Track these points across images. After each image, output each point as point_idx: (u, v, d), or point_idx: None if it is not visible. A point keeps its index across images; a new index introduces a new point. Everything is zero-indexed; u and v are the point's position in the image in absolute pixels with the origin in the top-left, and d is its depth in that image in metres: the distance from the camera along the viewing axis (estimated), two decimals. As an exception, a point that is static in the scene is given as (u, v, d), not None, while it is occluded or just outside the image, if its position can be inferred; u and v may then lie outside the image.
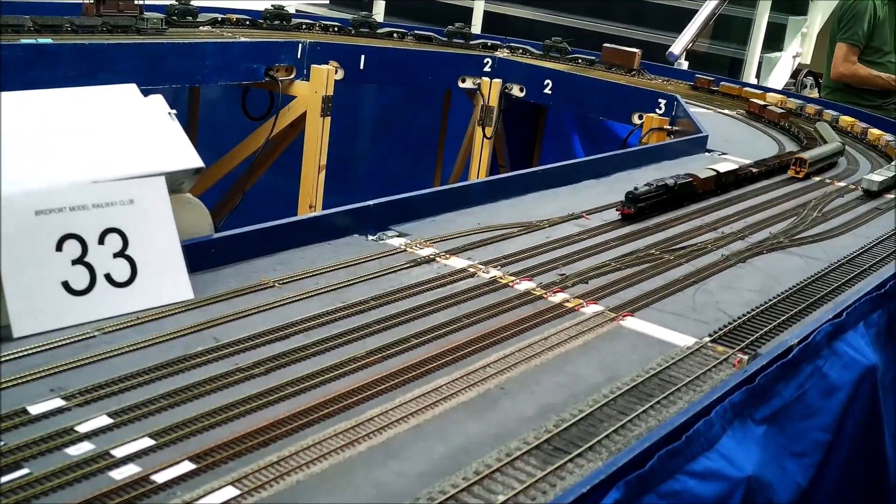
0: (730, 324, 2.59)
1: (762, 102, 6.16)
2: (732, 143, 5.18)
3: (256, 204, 6.40)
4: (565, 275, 2.87)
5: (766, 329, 2.57)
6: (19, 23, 5.09)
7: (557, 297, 2.69)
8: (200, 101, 6.60)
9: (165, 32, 5.60)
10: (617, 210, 3.46)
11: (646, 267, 3.02)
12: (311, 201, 6.18)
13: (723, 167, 4.07)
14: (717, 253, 3.25)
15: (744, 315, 2.66)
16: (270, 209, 6.96)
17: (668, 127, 5.92)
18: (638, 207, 3.43)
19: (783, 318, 2.66)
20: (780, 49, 9.99)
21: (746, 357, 2.36)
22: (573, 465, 1.83)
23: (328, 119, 6.17)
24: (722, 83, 6.91)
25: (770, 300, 2.81)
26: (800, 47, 10.19)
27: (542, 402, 2.09)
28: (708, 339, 2.48)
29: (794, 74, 10.51)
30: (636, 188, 3.47)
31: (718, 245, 3.33)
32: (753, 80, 8.83)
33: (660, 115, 6.02)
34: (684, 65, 7.73)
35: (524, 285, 2.75)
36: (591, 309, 2.64)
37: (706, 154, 4.92)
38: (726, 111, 6.26)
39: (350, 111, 7.27)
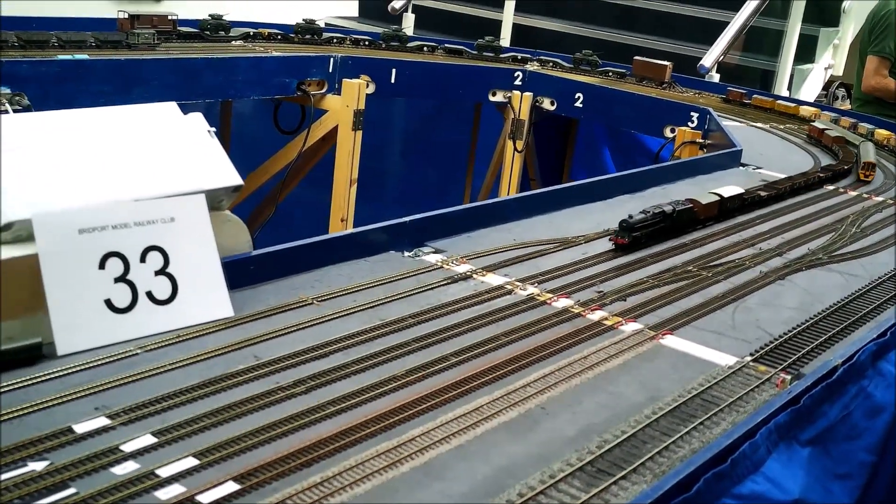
0: (771, 342, 2.56)
1: (822, 126, 5.84)
2: (767, 157, 5.13)
3: (288, 217, 6.44)
4: (603, 292, 2.86)
5: (808, 348, 2.54)
6: (43, 38, 5.11)
7: (596, 315, 2.67)
8: (233, 115, 6.65)
9: (157, 48, 5.56)
10: (610, 240, 3.25)
11: (683, 284, 3.00)
12: (342, 215, 6.20)
13: (727, 191, 3.83)
14: (756, 269, 3.22)
15: (785, 334, 2.63)
16: (302, 223, 7.00)
17: (701, 140, 5.88)
18: (632, 237, 3.20)
19: (825, 336, 2.63)
20: (811, 61, 9.91)
21: (789, 377, 2.33)
22: (617, 487, 1.81)
23: (359, 133, 6.19)
24: (754, 96, 6.87)
25: (811, 318, 2.78)
26: (832, 59, 10.11)
27: (584, 422, 2.07)
28: (749, 358, 2.46)
29: (826, 86, 10.42)
30: (630, 216, 3.24)
31: (756, 262, 3.30)
32: (785, 93, 8.77)
33: (692, 128, 5.99)
34: (715, 77, 7.69)
35: (562, 303, 2.74)
36: (630, 327, 2.62)
37: (741, 168, 4.88)
38: (759, 124, 6.22)
39: (381, 125, 7.30)
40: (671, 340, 2.56)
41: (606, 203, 3.95)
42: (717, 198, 3.71)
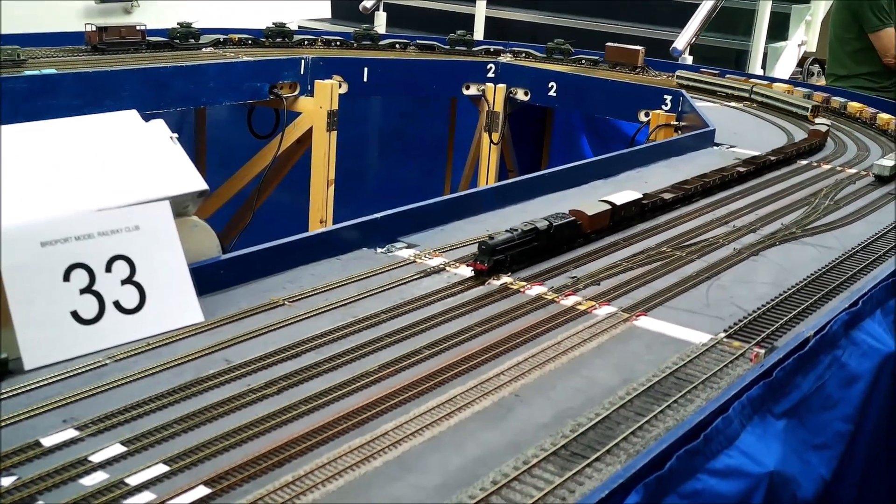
0: (745, 318, 2.57)
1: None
2: (740, 135, 5.14)
3: (267, 222, 6.41)
4: (576, 277, 2.86)
5: (781, 321, 2.54)
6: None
7: (569, 301, 2.67)
8: (207, 122, 6.63)
9: (24, 64, 5.19)
10: (468, 265, 2.82)
11: (658, 265, 3.00)
12: (321, 216, 6.19)
13: (622, 197, 3.33)
14: (730, 247, 3.22)
15: (759, 308, 2.64)
16: (281, 227, 6.95)
17: (676, 123, 5.89)
18: (494, 261, 2.77)
19: (799, 309, 2.64)
20: (784, 38, 9.94)
21: (763, 351, 2.34)
22: (591, 469, 1.81)
23: (334, 133, 6.18)
24: (727, 75, 6.87)
25: (785, 292, 2.78)
26: (805, 35, 10.14)
27: (558, 407, 2.07)
28: (723, 334, 2.46)
29: (801, 63, 10.44)
30: (491, 237, 2.80)
31: (731, 239, 3.31)
32: (759, 71, 8.78)
33: (666, 111, 6.00)
34: (689, 59, 7.69)
35: (535, 290, 2.74)
36: (604, 310, 2.62)
37: (715, 148, 4.89)
38: (733, 104, 6.23)
39: (356, 124, 7.27)
40: (645, 322, 2.56)
41: (580, 189, 3.95)
42: (608, 206, 3.22)
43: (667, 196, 3.60)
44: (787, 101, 5.96)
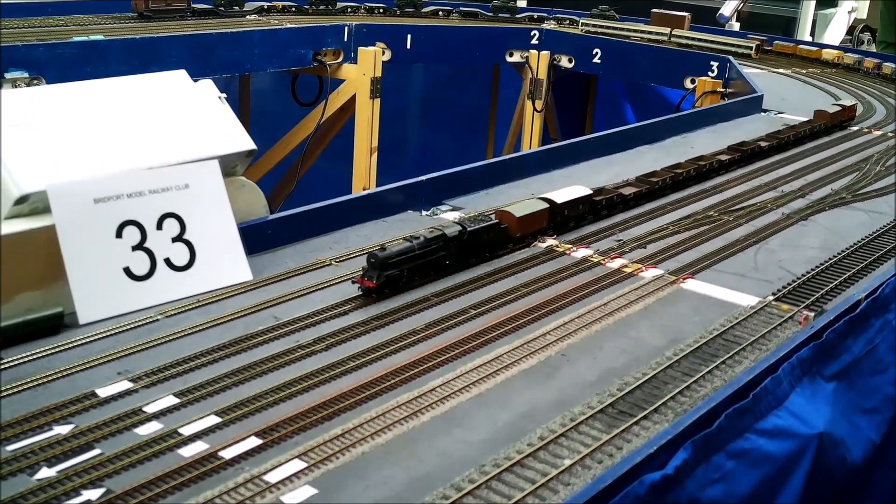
0: (793, 282, 2.54)
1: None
2: (788, 101, 5.06)
3: (311, 189, 6.44)
4: (622, 240, 2.84)
5: (831, 285, 2.51)
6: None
7: (616, 263, 2.66)
8: (251, 89, 6.65)
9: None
10: (354, 282, 2.36)
11: (705, 229, 2.97)
12: (364, 184, 6.20)
13: (568, 194, 2.88)
14: (778, 212, 3.18)
15: (808, 272, 2.61)
16: (324, 194, 6.98)
17: (722, 90, 5.81)
18: (387, 277, 2.32)
19: (849, 273, 2.60)
20: (834, 5, 9.74)
21: (812, 314, 2.31)
22: (639, 427, 1.81)
23: (377, 101, 6.17)
24: (775, 42, 6.76)
25: (834, 256, 2.75)
26: (855, 2, 9.93)
27: (605, 366, 2.07)
28: (772, 297, 2.44)
29: (850, 30, 10.23)
30: (384, 247, 2.35)
31: (779, 204, 3.27)
32: (808, 38, 8.63)
33: (712, 77, 5.92)
34: (735, 26, 7.58)
35: (581, 252, 2.73)
36: (651, 273, 2.60)
37: (762, 114, 4.82)
38: (781, 70, 6.13)
39: (398, 92, 7.27)
40: (692, 284, 2.54)
41: (625, 154, 3.92)
42: (545, 206, 2.78)
43: (628, 191, 3.17)
44: (721, 41, 6.11)
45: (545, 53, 6.81)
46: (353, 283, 2.35)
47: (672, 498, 1.62)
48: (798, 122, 4.42)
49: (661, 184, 3.29)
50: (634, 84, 7.45)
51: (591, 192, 2.92)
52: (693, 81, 6.05)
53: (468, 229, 2.51)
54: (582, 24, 6.69)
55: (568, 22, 7.35)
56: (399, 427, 1.78)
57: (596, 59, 6.56)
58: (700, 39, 6.20)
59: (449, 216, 2.98)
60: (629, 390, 1.94)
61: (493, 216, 2.63)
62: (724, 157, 3.67)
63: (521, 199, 2.91)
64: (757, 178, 3.59)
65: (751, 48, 5.93)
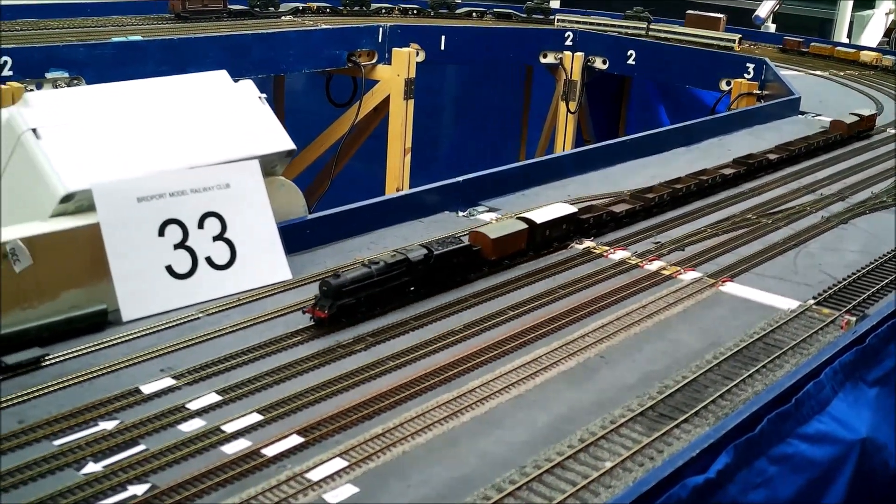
0: (834, 285, 2.51)
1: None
2: (826, 103, 5.02)
3: (344, 190, 6.46)
4: (660, 243, 2.83)
5: (873, 289, 2.48)
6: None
7: (654, 266, 2.65)
8: (285, 89, 6.69)
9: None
10: (305, 311, 2.16)
11: (743, 232, 2.95)
12: (397, 184, 6.21)
13: (550, 213, 2.68)
14: (818, 215, 3.16)
15: (849, 276, 2.58)
16: (357, 194, 7.00)
17: (758, 91, 5.77)
18: (339, 307, 2.10)
19: (891, 277, 2.57)
20: (871, 7, 9.63)
21: (854, 318, 2.29)
22: (679, 430, 1.80)
23: (411, 101, 6.18)
24: (812, 44, 6.71)
25: (875, 260, 2.72)
26: (893, 4, 9.81)
27: (644, 369, 2.06)
28: (812, 301, 2.41)
29: (888, 32, 10.11)
30: (337, 273, 2.14)
31: (818, 207, 3.24)
32: (845, 40, 8.54)
33: (748, 79, 5.87)
34: (771, 28, 7.52)
35: (619, 255, 2.72)
36: (689, 276, 2.59)
37: (800, 116, 4.78)
38: (818, 72, 6.07)
39: (432, 92, 7.28)
40: (731, 287, 2.52)
41: (661, 156, 3.90)
42: (524, 226, 2.56)
43: (618, 209, 2.94)
44: (702, 35, 6.25)
45: (579, 55, 6.79)
46: (304, 312, 2.13)
47: (714, 501, 1.61)
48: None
49: (658, 200, 3.12)
50: (668, 86, 7.42)
51: (575, 210, 2.73)
52: (729, 83, 6.01)
53: (435, 253, 2.30)
54: (557, 19, 6.89)
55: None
56: (439, 427, 1.78)
57: (630, 61, 6.54)
58: (680, 34, 6.37)
59: (485, 217, 2.98)
60: (669, 393, 1.93)
61: (464, 238, 2.47)
62: (729, 172, 3.50)
63: (553, 201, 2.90)
64: (794, 181, 3.55)
65: (733, 41, 6.07)
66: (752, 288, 2.52)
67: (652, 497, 1.51)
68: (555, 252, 2.71)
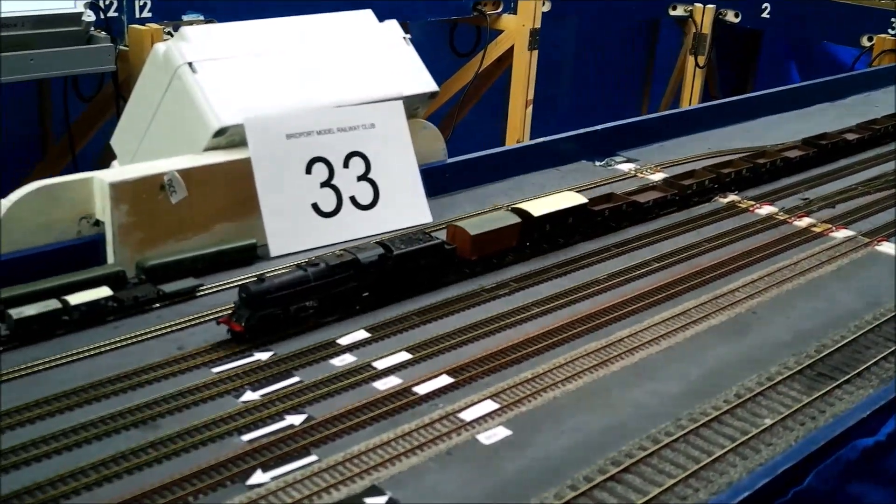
0: None
1: None
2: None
3: (461, 141, 6.43)
4: (808, 199, 2.72)
5: None
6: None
7: (803, 222, 2.54)
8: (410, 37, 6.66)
9: None
10: (220, 322, 1.80)
11: (899, 191, 2.81)
12: (518, 136, 6.15)
13: (552, 203, 2.28)
14: (979, 174, 2.98)
15: None
16: (476, 146, 6.97)
17: (904, 48, 5.48)
18: (260, 318, 1.77)
19: None
20: None
21: None
22: (841, 391, 1.73)
23: (535, 53, 6.08)
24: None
25: None
26: None
27: (798, 326, 1.98)
28: (978, 264, 2.29)
29: None
30: (262, 277, 1.79)
31: (979, 165, 3.06)
32: None
33: (893, 35, 5.57)
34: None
35: (765, 210, 2.62)
36: (841, 234, 2.48)
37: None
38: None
39: (555, 44, 7.15)
40: (888, 247, 2.41)
41: (803, 112, 3.74)
42: (517, 220, 2.19)
43: (634, 203, 2.50)
44: None
45: (710, 7, 6.56)
46: (219, 323, 1.80)
47: (882, 466, 1.54)
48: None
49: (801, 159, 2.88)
50: (801, 42, 7.11)
51: (585, 200, 2.32)
52: (871, 39, 5.72)
53: (395, 253, 1.94)
54: None
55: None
56: (589, 375, 1.75)
57: (765, 14, 6.28)
58: None
59: (624, 167, 2.91)
60: (827, 353, 1.86)
61: (436, 236, 2.07)
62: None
63: (693, 156, 2.80)
64: (951, 141, 3.37)
65: None
66: (912, 248, 2.40)
67: (821, 457, 1.45)
68: (695, 206, 2.64)
